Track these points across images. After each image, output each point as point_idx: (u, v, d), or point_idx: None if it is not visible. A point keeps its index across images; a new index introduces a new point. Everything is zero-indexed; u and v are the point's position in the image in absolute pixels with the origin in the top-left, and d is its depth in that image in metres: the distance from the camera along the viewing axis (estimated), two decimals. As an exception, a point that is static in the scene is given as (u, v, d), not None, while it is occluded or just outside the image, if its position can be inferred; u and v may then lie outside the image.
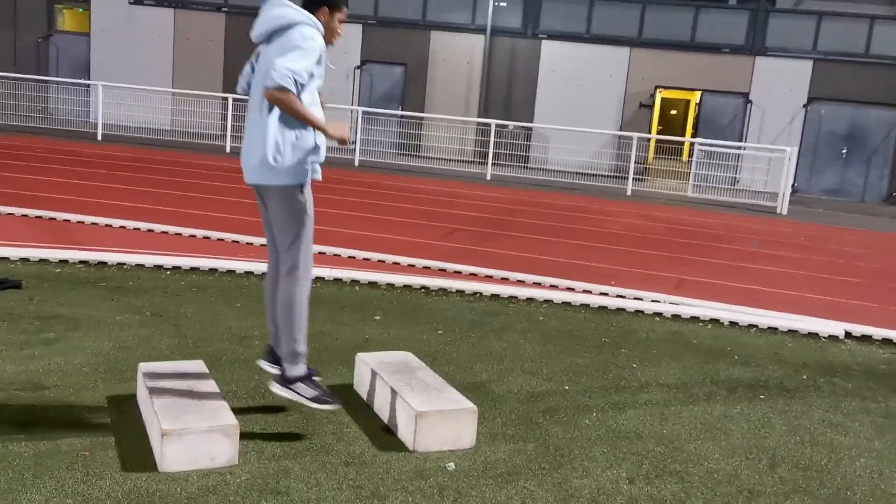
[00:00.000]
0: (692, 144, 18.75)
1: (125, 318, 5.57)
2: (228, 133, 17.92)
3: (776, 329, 6.77)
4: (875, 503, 3.76)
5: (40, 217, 8.72)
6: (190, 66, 21.84)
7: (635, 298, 7.33)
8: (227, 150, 17.78)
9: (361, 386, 4.52)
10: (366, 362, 4.48)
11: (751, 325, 6.83)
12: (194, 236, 8.44)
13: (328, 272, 7.16)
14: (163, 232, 8.50)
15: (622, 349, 5.85)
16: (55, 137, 17.29)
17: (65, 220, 8.67)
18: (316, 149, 3.76)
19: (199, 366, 4.22)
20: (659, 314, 6.93)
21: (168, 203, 10.23)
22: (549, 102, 20.69)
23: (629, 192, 16.84)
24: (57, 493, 3.22)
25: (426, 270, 7.84)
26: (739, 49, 20.06)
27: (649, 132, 20.19)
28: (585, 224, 11.96)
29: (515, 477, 3.68)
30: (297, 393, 3.90)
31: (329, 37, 3.85)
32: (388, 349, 5.23)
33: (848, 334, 6.77)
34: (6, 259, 6.89)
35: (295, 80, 3.56)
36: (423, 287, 7.15)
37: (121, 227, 8.57)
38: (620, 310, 6.98)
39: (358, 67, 21.31)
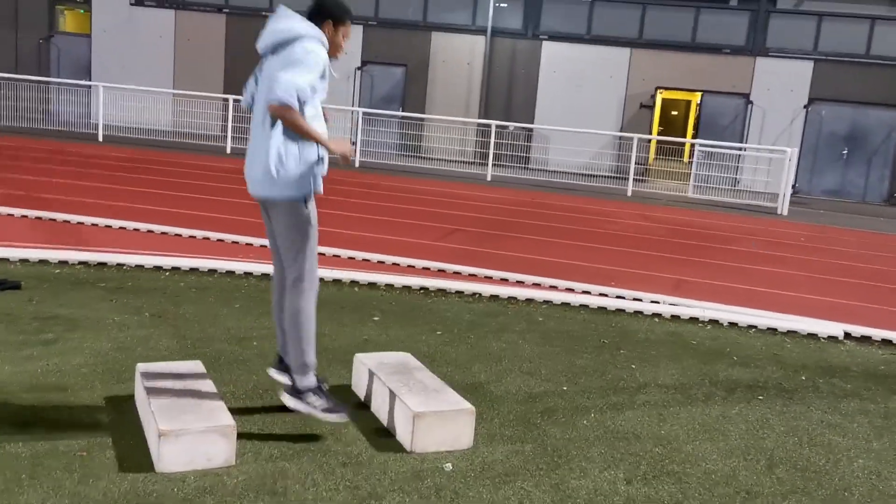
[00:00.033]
0: (693, 145, 18.75)
1: (124, 318, 5.58)
2: (229, 134, 17.94)
3: (775, 330, 6.77)
4: (873, 504, 3.77)
5: (40, 218, 8.72)
6: (191, 67, 21.86)
7: (634, 299, 7.33)
8: (228, 150, 17.80)
9: (360, 387, 4.52)
10: (364, 363, 4.48)
11: (750, 326, 6.83)
12: (194, 237, 8.44)
13: (328, 273, 7.16)
14: (162, 233, 8.51)
15: (621, 350, 5.85)
16: (56, 138, 17.31)
17: (65, 221, 8.68)
18: (319, 161, 3.77)
19: (197, 366, 4.22)
20: (658, 315, 6.93)
21: (168, 204, 10.24)
22: (549, 103, 20.69)
23: (629, 193, 16.84)
24: (54, 493, 3.22)
25: (425, 271, 7.85)
26: (740, 50, 20.06)
27: (650, 133, 20.19)
28: (585, 225, 11.96)
29: (513, 478, 3.68)
30: (309, 404, 3.91)
31: (333, 51, 3.88)
32: (386, 350, 5.23)
33: (847, 335, 6.77)
34: (6, 260, 6.90)
35: (297, 96, 3.58)
36: (423, 288, 7.15)
37: (120, 227, 8.57)
38: (619, 310, 6.98)
39: (358, 68, 21.33)
